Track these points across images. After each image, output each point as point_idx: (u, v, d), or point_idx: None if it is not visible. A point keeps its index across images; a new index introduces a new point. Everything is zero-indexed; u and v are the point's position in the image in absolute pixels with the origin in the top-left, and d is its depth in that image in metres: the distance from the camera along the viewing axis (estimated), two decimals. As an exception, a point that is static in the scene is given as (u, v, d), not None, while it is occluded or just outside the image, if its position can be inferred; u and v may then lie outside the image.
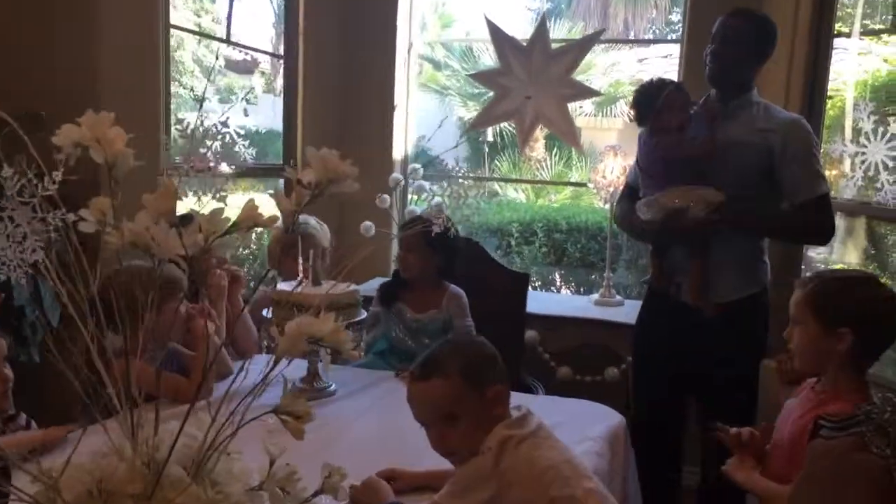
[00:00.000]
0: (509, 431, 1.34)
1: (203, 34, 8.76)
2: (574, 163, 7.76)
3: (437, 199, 2.76)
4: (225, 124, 2.45)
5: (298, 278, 2.10)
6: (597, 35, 3.18)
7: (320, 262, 2.62)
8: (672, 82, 2.40)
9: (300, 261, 2.11)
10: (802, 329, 1.57)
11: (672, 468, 2.51)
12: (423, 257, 2.41)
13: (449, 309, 2.47)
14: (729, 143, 2.25)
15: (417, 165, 3.46)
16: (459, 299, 2.48)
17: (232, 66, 10.28)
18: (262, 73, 10.06)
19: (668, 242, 2.35)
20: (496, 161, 8.61)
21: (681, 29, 3.46)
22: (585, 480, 1.33)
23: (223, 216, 1.01)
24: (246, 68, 10.02)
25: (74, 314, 0.96)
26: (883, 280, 2.16)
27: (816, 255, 4.51)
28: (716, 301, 2.24)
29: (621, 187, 3.10)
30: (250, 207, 1.04)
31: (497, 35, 3.25)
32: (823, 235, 2.34)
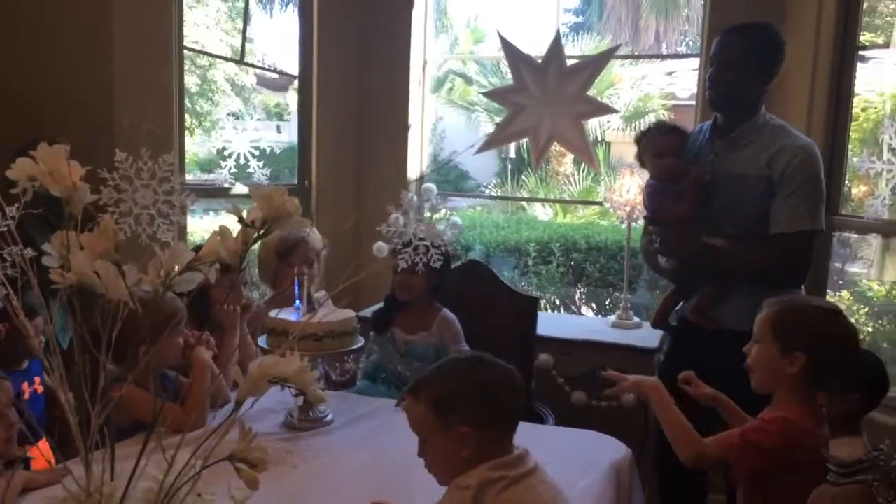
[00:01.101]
0: (493, 473, 1.28)
1: (213, 55, 8.87)
2: (602, 178, 7.67)
3: (455, 218, 2.71)
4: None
5: (297, 293, 2.05)
6: (612, 51, 3.12)
7: (318, 268, 2.60)
8: (657, 125, 2.39)
9: (295, 271, 2.06)
10: (761, 346, 1.64)
11: (699, 496, 2.43)
12: (424, 279, 2.37)
13: (442, 335, 2.42)
14: (732, 177, 2.19)
15: (432, 186, 3.41)
16: (452, 325, 2.44)
17: (266, 83, 10.40)
18: (296, 90, 10.15)
19: (693, 283, 2.32)
20: (523, 176, 8.55)
21: (700, 42, 3.37)
22: None
23: (187, 250, 0.98)
24: (280, 86, 10.13)
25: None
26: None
27: (859, 272, 4.38)
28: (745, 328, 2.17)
29: (641, 207, 3.03)
30: (213, 241, 1.00)
31: (511, 52, 3.20)
32: (789, 276, 2.17)
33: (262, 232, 0.85)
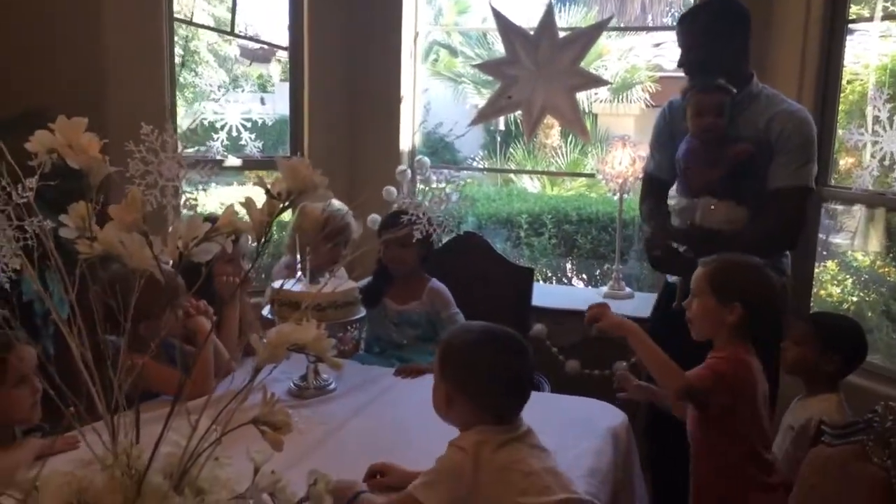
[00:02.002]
0: (482, 437, 1.36)
1: (204, 26, 8.74)
2: (589, 150, 7.68)
3: (449, 191, 2.72)
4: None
5: (331, 268, 2.08)
6: (605, 23, 3.13)
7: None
8: (702, 82, 2.30)
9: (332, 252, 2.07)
10: (700, 301, 1.82)
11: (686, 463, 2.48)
12: (415, 252, 2.40)
13: (433, 304, 2.47)
14: (730, 140, 2.23)
15: (425, 158, 3.42)
16: (441, 293, 2.49)
17: (248, 54, 10.26)
18: (279, 61, 10.02)
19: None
20: (510, 149, 8.54)
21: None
22: (565, 491, 1.32)
23: (206, 221, 0.99)
24: (263, 57, 10.00)
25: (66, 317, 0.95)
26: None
27: (843, 243, 4.45)
28: None
29: (632, 179, 3.06)
30: (229, 213, 1.02)
31: (503, 24, 3.21)
32: (784, 232, 2.25)
33: (286, 204, 0.86)
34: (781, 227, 2.23)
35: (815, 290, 3.17)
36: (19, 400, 1.55)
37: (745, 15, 2.31)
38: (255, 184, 0.87)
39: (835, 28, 2.83)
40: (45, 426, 1.61)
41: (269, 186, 0.86)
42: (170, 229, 0.97)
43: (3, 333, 1.50)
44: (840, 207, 3.74)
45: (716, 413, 1.74)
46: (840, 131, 2.96)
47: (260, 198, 0.91)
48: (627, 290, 3.22)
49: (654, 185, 2.55)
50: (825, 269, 4.06)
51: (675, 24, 2.53)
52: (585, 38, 3.17)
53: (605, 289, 3.27)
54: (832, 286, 4.16)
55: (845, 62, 2.94)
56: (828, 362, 1.99)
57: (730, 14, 2.30)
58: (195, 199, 0.90)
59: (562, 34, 3.17)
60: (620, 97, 8.83)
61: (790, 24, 2.86)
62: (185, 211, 0.97)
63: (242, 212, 0.97)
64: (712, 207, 2.24)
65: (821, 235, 3.26)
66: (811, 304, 3.05)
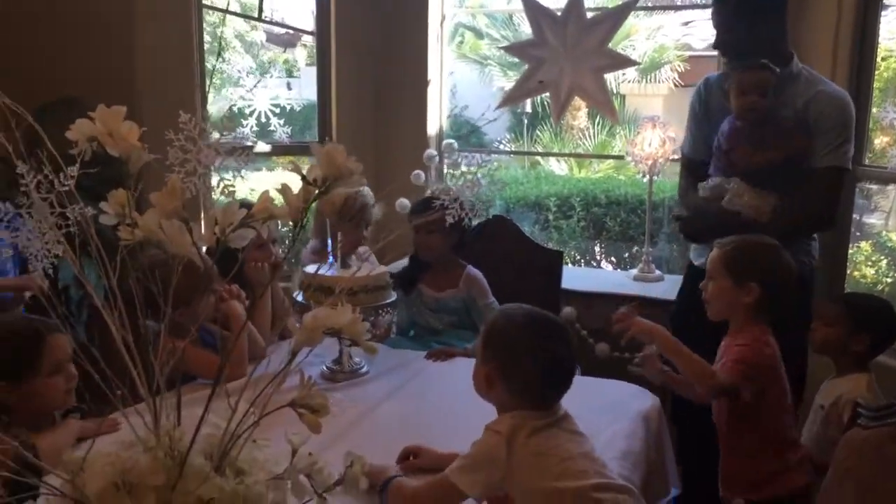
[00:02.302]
0: (519, 421, 1.35)
1: (234, 13, 8.79)
2: (617, 132, 7.60)
3: (480, 175, 2.72)
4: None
5: (356, 249, 2.10)
6: (633, 2, 3.08)
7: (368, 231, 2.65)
8: (748, 62, 2.25)
9: (350, 232, 2.07)
10: (716, 282, 1.84)
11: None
12: (443, 238, 2.40)
13: (469, 291, 2.46)
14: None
15: (453, 141, 3.42)
16: (478, 280, 2.48)
17: (273, 39, 10.29)
18: (304, 45, 10.02)
19: None
20: (537, 131, 8.48)
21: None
22: (601, 476, 1.32)
23: (240, 207, 1.01)
24: (288, 42, 10.02)
25: (108, 300, 0.97)
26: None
27: (877, 223, 4.38)
28: None
29: (662, 161, 3.04)
30: (265, 199, 1.03)
31: (530, 5, 3.18)
32: (822, 212, 2.23)
33: (322, 190, 0.87)
34: (819, 206, 2.21)
35: (848, 271, 3.13)
36: (54, 387, 1.57)
37: None
38: (290, 170, 0.88)
39: (869, 3, 2.77)
40: (84, 407, 1.64)
41: (304, 172, 0.87)
42: (202, 215, 0.99)
43: (38, 322, 1.54)
44: (874, 187, 3.68)
45: (747, 401, 1.74)
46: (874, 109, 2.91)
47: (292, 183, 0.93)
48: (657, 272, 3.20)
49: (690, 167, 2.52)
50: (859, 251, 4.00)
51: (705, 2, 2.49)
52: (613, 18, 3.14)
53: (634, 271, 3.26)
54: (866, 267, 4.10)
55: (879, 39, 2.89)
56: (857, 342, 2.00)
57: None
58: (233, 186, 0.90)
59: (589, 14, 3.14)
60: (649, 77, 8.71)
61: (824, 1, 2.80)
62: (221, 197, 0.98)
63: (276, 197, 0.98)
64: (744, 195, 2.21)
65: (855, 216, 3.21)
66: (844, 286, 3.01)
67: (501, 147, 8.64)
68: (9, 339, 1.56)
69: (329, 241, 2.12)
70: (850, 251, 3.17)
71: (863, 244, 4.05)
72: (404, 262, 2.68)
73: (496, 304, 2.44)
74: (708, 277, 1.88)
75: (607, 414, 1.83)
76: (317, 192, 0.88)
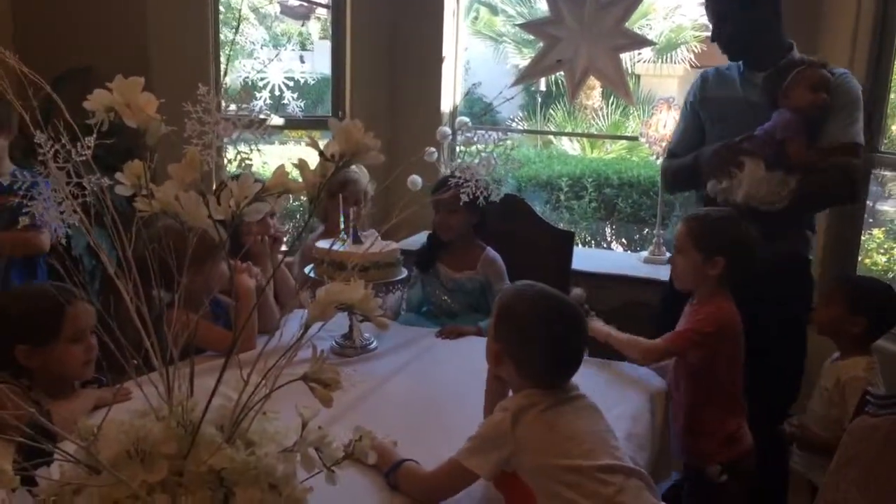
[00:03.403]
0: (529, 400, 1.34)
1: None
2: (631, 112, 7.55)
3: (496, 153, 2.69)
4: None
5: (343, 227, 2.08)
6: (653, -18, 3.07)
7: (364, 206, 2.62)
8: (811, 60, 2.23)
9: (343, 209, 2.08)
10: (684, 257, 1.93)
11: None
12: (463, 218, 2.39)
13: (487, 274, 2.45)
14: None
15: (466, 119, 3.41)
16: (495, 263, 2.46)
17: (287, 11, 10.22)
18: (318, 18, 9.94)
19: None
20: (550, 110, 8.43)
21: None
22: (609, 458, 1.31)
23: (255, 181, 1.01)
24: (302, 14, 9.96)
25: (120, 269, 0.98)
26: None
27: (890, 210, 4.36)
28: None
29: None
30: (280, 173, 1.03)
31: (548, -18, 3.15)
32: (843, 188, 2.20)
33: (339, 165, 0.87)
34: (840, 177, 2.17)
35: (860, 258, 3.12)
36: (73, 355, 1.58)
37: None
38: (307, 144, 0.88)
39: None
40: (103, 378, 1.66)
41: (321, 148, 0.87)
42: (213, 187, 0.99)
43: (64, 287, 1.55)
44: (889, 174, 3.65)
45: (693, 363, 1.87)
46: (893, 95, 2.88)
47: (307, 157, 0.93)
48: (668, 255, 3.19)
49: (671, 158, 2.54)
50: (871, 238, 3.98)
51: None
52: (632, -3, 3.11)
53: (644, 254, 3.25)
54: (878, 254, 4.08)
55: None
56: (854, 324, 2.05)
57: None
58: (249, 159, 0.90)
59: (607, -7, 3.11)
60: (665, 57, 8.63)
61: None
62: (235, 170, 0.98)
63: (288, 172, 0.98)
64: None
65: (868, 203, 3.19)
66: (856, 273, 3.01)
67: (514, 125, 8.60)
68: (31, 303, 1.57)
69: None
70: (863, 238, 3.16)
71: (875, 231, 4.02)
72: (417, 238, 2.67)
73: None
74: (676, 251, 1.97)
75: (613, 395, 1.84)
76: (334, 167, 0.88)
